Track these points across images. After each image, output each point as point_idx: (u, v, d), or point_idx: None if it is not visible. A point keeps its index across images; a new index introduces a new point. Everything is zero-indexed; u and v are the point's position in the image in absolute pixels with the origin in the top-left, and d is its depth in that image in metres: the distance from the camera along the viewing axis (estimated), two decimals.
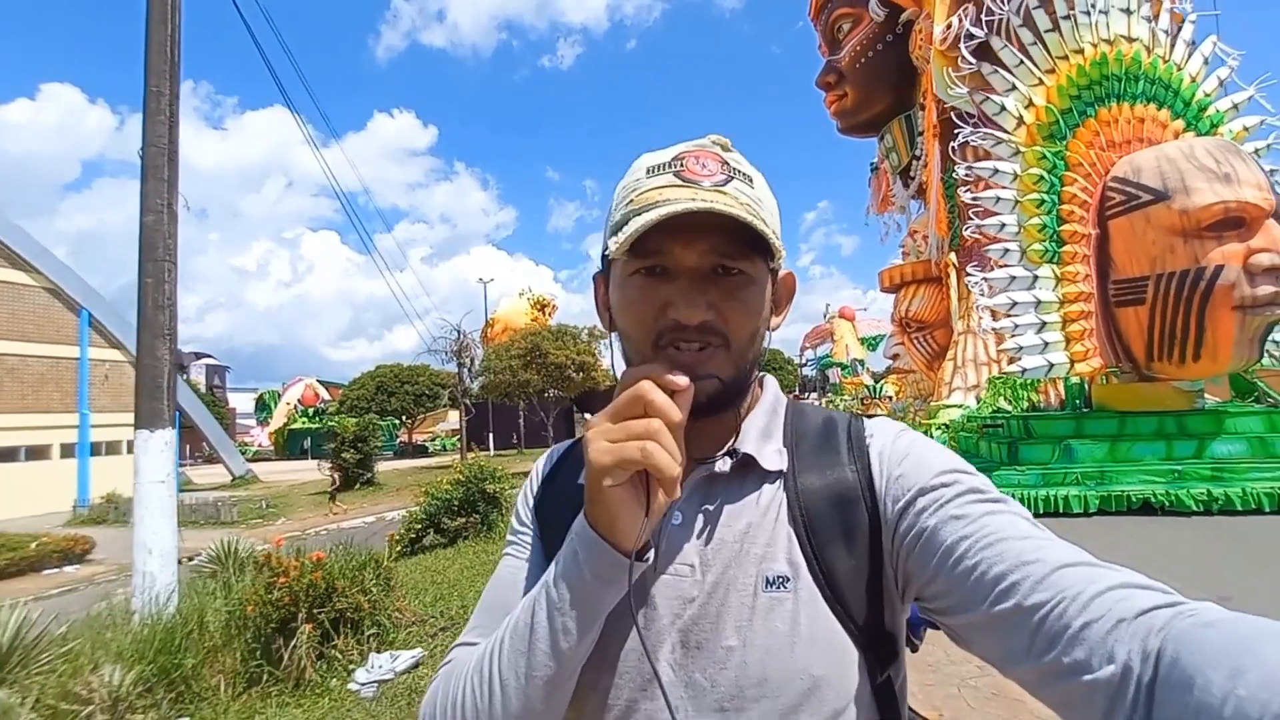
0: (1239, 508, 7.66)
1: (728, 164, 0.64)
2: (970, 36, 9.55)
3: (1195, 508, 7.77)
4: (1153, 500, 7.90)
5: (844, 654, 0.61)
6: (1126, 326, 8.76)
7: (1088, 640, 0.44)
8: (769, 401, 0.73)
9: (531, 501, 0.78)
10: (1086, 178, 8.86)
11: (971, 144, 8.71)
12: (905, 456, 0.65)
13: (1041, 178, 8.61)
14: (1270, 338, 8.28)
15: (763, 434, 0.69)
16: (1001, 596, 0.50)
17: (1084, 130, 9.01)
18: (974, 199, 8.71)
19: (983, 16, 9.06)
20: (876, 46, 15.93)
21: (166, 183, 5.19)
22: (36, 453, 23.38)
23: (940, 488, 0.60)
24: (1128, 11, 9.39)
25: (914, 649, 0.68)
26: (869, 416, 0.73)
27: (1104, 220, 8.84)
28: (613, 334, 0.71)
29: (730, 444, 0.68)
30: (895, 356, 18.16)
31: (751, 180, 0.65)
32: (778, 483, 0.67)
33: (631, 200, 0.63)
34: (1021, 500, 7.81)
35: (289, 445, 47.43)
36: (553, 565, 0.62)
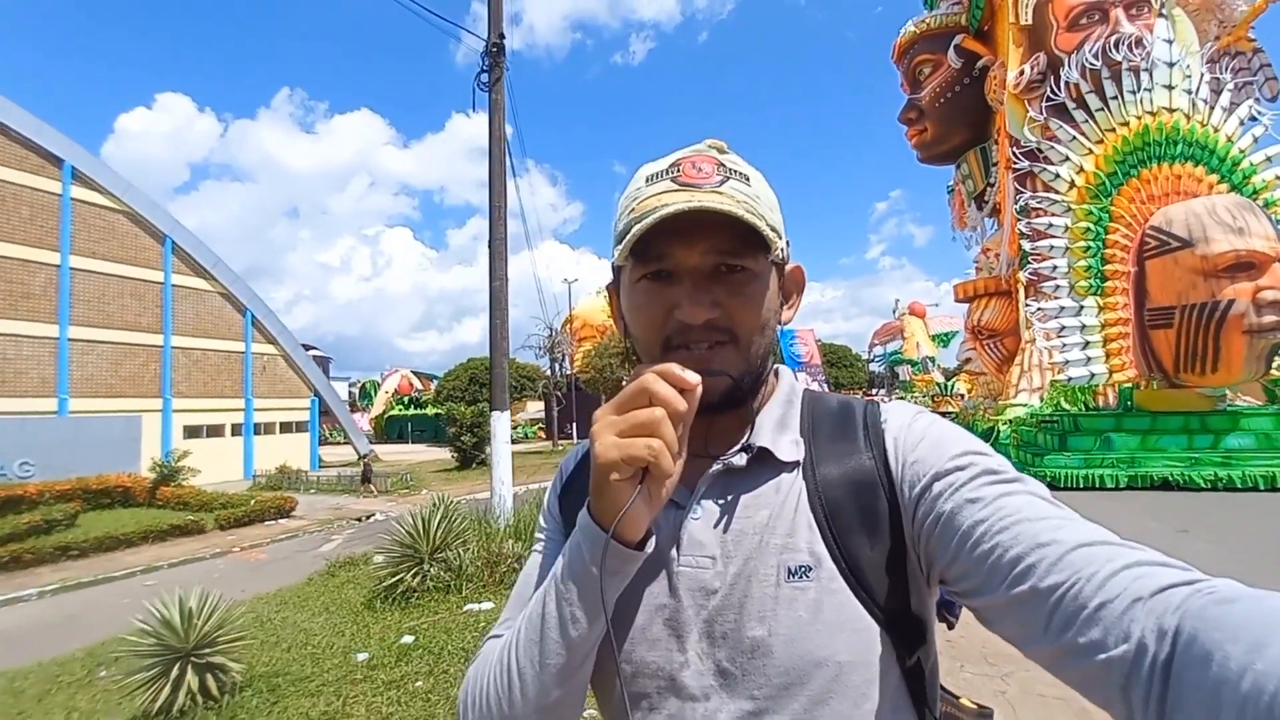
0: (1239, 486, 10.30)
1: (724, 165, 0.67)
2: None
3: (1203, 485, 10.47)
4: (1170, 479, 10.61)
5: (870, 640, 0.63)
6: (1158, 345, 11.38)
7: (1103, 619, 0.45)
8: (784, 392, 0.77)
9: (558, 498, 0.82)
10: (1128, 226, 11.50)
11: (1031, 205, 11.48)
12: (921, 440, 0.67)
13: (1088, 229, 11.30)
14: (1276, 355, 10.74)
15: (778, 425, 0.72)
16: (1018, 579, 0.51)
17: (1127, 188, 11.62)
18: (1033, 248, 11.49)
19: (1043, 104, 11.75)
20: (955, 88, 18.49)
21: (505, 263, 8.71)
22: (214, 431, 28.47)
23: (956, 470, 0.62)
24: (1169, 87, 11.87)
25: (950, 626, 0.69)
26: (886, 402, 0.75)
27: (1142, 260, 11.46)
28: (627, 341, 0.75)
29: (746, 438, 0.70)
30: (968, 360, 20.69)
31: (748, 179, 0.68)
32: (795, 473, 0.69)
33: (633, 209, 0.67)
34: (1064, 478, 10.87)
35: (388, 430, 53.03)
36: (560, 557, 0.66)
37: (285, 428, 31.90)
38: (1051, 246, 11.37)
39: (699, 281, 0.66)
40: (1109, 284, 11.41)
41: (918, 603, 0.66)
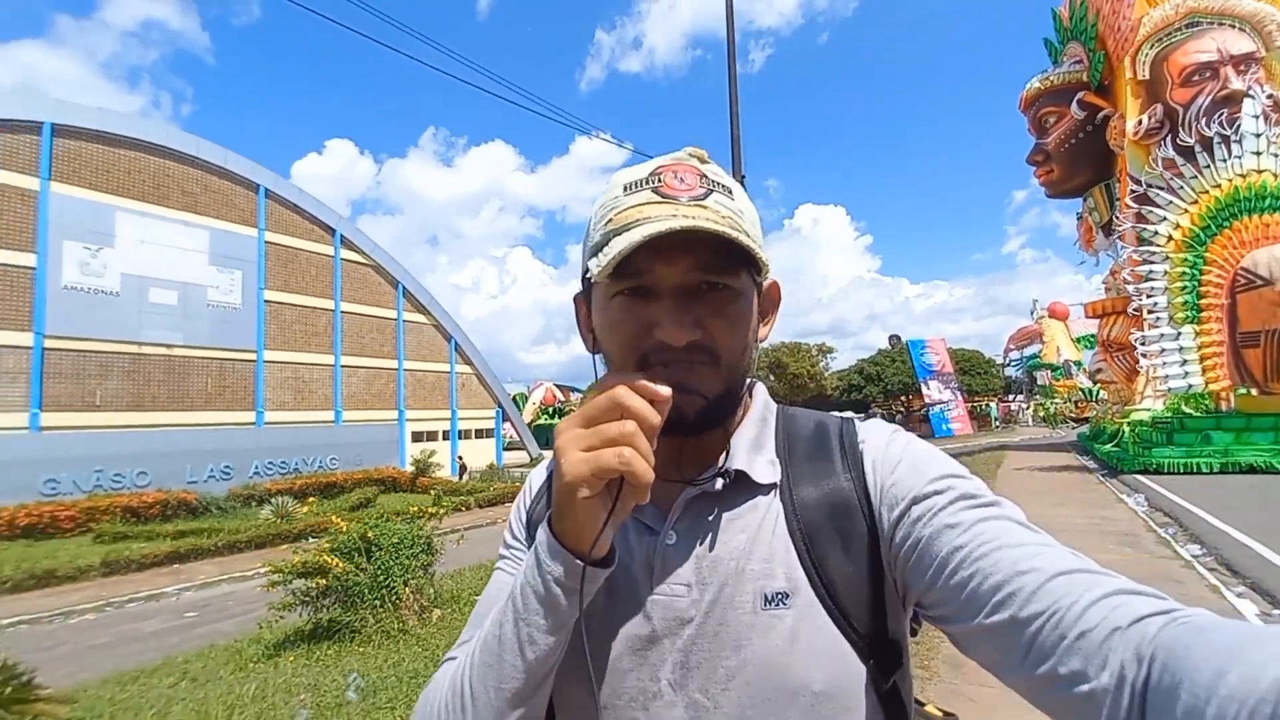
0: None
1: (706, 177, 0.67)
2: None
3: None
4: (1256, 465, 14.23)
5: (847, 666, 0.63)
6: (1249, 361, 14.97)
7: (1083, 649, 0.46)
8: (758, 411, 0.76)
9: (524, 516, 0.81)
10: (1221, 268, 15.16)
11: (1134, 257, 15.42)
12: (899, 462, 0.67)
13: (1184, 272, 15.08)
14: None
15: (753, 446, 0.72)
16: (997, 608, 0.52)
17: (1220, 237, 15.28)
18: (1136, 290, 15.41)
19: (1143, 178, 15.69)
20: (1078, 135, 21.99)
21: None
22: (430, 436, 36.41)
23: (934, 495, 0.62)
24: (1258, 153, 15.38)
25: (914, 633, 0.70)
26: (865, 419, 0.77)
27: (1234, 294, 15.08)
28: (596, 355, 0.73)
29: (722, 463, 0.70)
30: (1099, 370, 23.92)
31: (731, 192, 0.67)
32: (772, 495, 0.69)
33: (610, 219, 0.65)
34: (1168, 465, 15.01)
35: (535, 437, 60.97)
36: (518, 576, 0.64)
37: (479, 434, 39.73)
38: (1153, 288, 15.29)
39: (680, 299, 0.64)
40: (1204, 314, 15.14)
41: (895, 626, 0.66)
